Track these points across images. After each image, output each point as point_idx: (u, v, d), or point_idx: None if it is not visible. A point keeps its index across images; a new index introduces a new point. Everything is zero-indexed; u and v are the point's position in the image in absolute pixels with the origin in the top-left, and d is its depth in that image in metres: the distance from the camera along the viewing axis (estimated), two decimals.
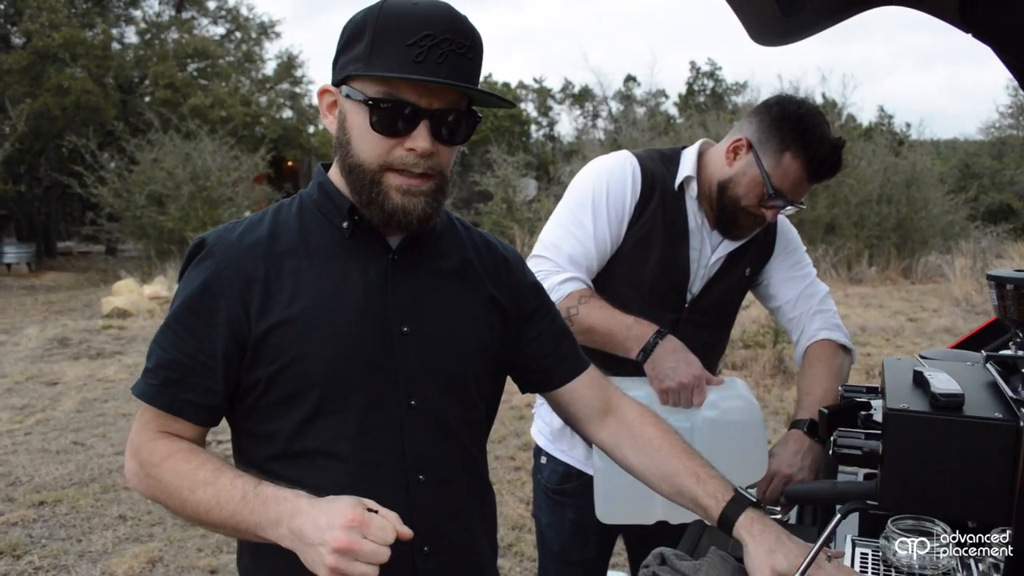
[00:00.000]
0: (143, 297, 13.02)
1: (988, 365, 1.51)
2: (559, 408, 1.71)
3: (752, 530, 1.45)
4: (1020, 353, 1.63)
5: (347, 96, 1.38)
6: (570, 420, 1.71)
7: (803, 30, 2.09)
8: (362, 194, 1.40)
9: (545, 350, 1.66)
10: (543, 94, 32.01)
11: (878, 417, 1.40)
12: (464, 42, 1.34)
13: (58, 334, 10.98)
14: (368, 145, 1.37)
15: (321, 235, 1.46)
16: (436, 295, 1.50)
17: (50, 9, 19.86)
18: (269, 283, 1.40)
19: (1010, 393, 1.30)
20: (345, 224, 1.46)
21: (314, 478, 1.38)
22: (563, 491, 2.38)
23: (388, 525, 1.21)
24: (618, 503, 2.12)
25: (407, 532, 1.23)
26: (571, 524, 2.39)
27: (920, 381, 1.38)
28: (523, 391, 1.72)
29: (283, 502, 1.27)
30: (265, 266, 1.41)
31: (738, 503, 1.49)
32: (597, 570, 2.47)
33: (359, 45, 1.35)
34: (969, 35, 1.88)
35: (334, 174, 1.49)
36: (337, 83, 1.42)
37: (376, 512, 1.22)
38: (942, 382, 1.31)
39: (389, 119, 1.34)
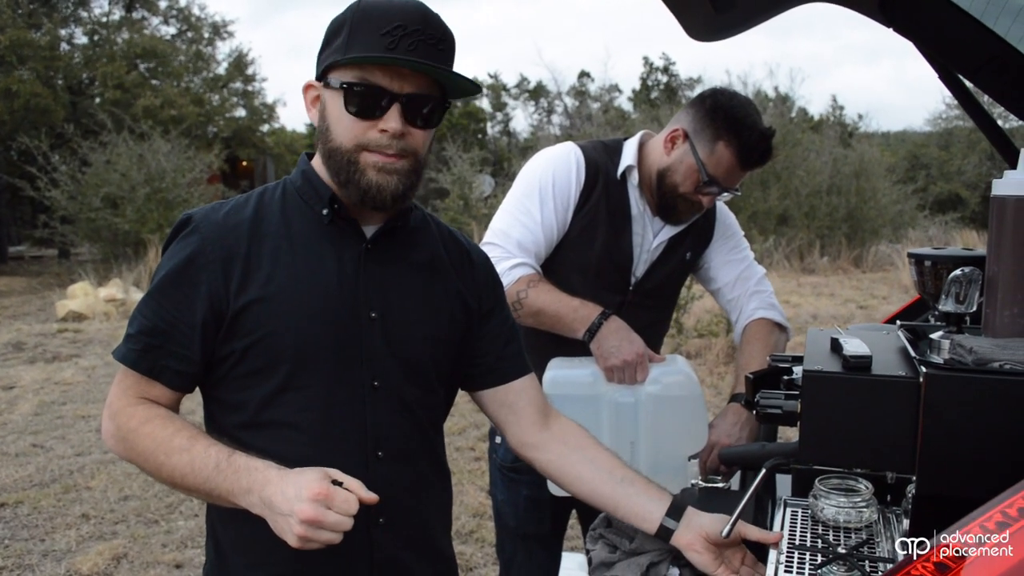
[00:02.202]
0: (99, 300, 12.85)
1: (900, 332, 1.65)
2: (496, 407, 1.77)
3: (690, 542, 1.62)
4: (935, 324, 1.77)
5: (326, 85, 1.49)
6: (506, 422, 1.78)
7: (736, 26, 2.21)
8: (340, 175, 1.50)
9: (496, 344, 1.75)
10: (498, 90, 32.05)
11: (799, 380, 1.53)
12: (435, 34, 1.45)
13: (12, 338, 10.84)
14: (344, 128, 1.47)
15: (301, 220, 1.55)
16: (405, 285, 1.60)
17: None
18: (249, 261, 1.49)
19: (915, 355, 1.43)
20: (324, 211, 1.54)
21: (278, 448, 1.47)
22: (517, 468, 2.48)
23: (352, 498, 1.31)
24: None
25: (372, 497, 1.34)
26: (526, 500, 2.50)
27: (836, 347, 1.51)
28: (464, 387, 1.78)
29: (254, 472, 1.37)
30: (247, 245, 1.50)
31: (673, 521, 1.64)
32: (552, 544, 2.59)
33: (338, 39, 1.47)
34: (891, 30, 2.01)
35: (316, 163, 1.59)
36: (319, 77, 1.52)
37: (341, 484, 1.32)
38: (854, 346, 1.43)
39: (362, 102, 1.45)
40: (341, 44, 1.45)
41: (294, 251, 1.52)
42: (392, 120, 1.45)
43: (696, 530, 1.60)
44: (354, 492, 1.32)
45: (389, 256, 1.59)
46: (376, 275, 1.56)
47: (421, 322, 1.61)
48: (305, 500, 1.28)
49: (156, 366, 1.49)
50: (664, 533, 1.63)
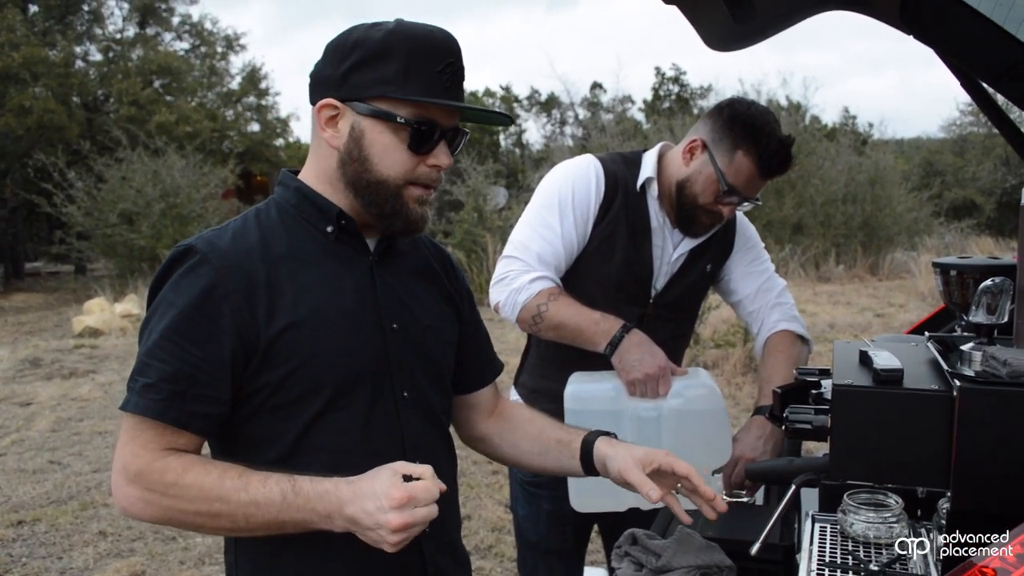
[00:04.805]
0: (115, 315, 12.92)
1: (929, 344, 1.62)
2: (463, 408, 1.81)
3: (611, 442, 1.65)
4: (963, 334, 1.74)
5: (371, 115, 1.43)
6: (466, 419, 1.83)
7: (755, 36, 2.19)
8: (383, 207, 1.47)
9: (480, 349, 1.79)
10: (509, 101, 32.04)
11: (827, 394, 1.50)
12: (463, 64, 1.48)
13: (29, 355, 10.88)
14: (396, 162, 1.45)
15: (305, 239, 1.50)
16: (412, 293, 1.60)
17: (8, 29, 19.61)
18: (271, 286, 1.42)
19: (946, 367, 1.41)
20: (330, 228, 1.51)
21: (319, 472, 1.39)
22: (538, 483, 2.46)
23: (429, 485, 1.30)
24: (591, 492, 2.20)
25: (443, 486, 1.33)
26: (547, 515, 2.48)
27: (865, 360, 1.48)
28: None
29: (327, 496, 1.32)
30: (265, 270, 1.43)
31: (596, 433, 1.68)
32: (574, 559, 2.56)
33: (386, 66, 1.40)
34: (911, 37, 1.99)
35: (312, 180, 1.53)
36: (348, 99, 1.44)
37: (410, 477, 1.30)
38: (884, 359, 1.41)
39: (423, 140, 1.44)
40: (396, 76, 1.40)
41: (309, 271, 1.47)
42: (443, 156, 1.47)
43: (632, 458, 1.57)
44: (430, 481, 1.32)
45: (393, 267, 1.59)
46: (388, 286, 1.56)
47: (433, 328, 1.62)
48: (390, 511, 1.26)
49: (184, 413, 1.37)
50: (586, 455, 1.66)
